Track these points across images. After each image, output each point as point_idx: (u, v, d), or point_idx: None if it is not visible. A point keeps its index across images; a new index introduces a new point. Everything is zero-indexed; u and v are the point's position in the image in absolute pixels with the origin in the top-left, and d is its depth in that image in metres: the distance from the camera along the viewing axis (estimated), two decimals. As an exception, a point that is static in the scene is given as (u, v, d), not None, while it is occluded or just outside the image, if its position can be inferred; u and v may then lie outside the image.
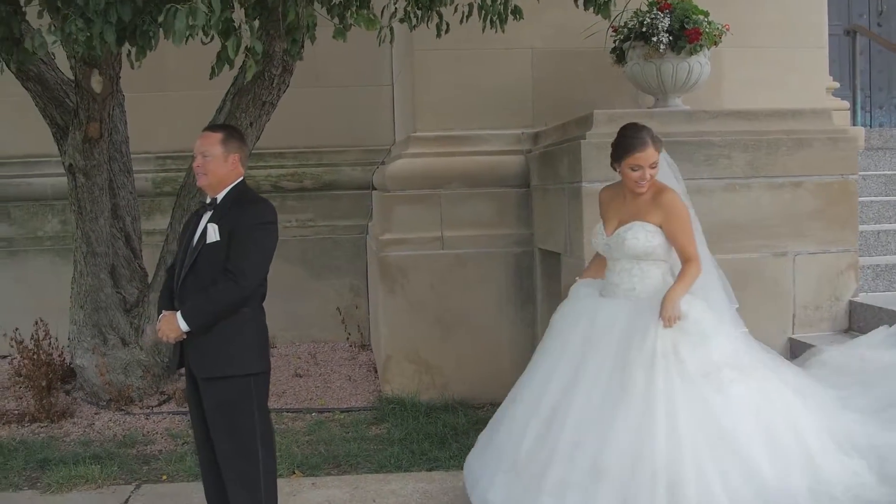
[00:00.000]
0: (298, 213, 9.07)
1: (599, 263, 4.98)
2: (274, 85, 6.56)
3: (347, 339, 8.91)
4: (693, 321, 4.43)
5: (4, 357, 8.20)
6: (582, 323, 4.69)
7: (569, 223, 6.05)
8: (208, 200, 4.44)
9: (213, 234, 4.27)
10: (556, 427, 4.44)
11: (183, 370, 4.57)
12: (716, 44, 6.61)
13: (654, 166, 4.61)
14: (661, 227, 4.59)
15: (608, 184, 5.00)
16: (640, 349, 4.37)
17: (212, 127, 4.63)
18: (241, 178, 4.47)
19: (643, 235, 4.58)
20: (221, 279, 4.21)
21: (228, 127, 4.67)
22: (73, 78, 6.53)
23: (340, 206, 9.19)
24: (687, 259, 4.57)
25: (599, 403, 4.36)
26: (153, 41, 4.53)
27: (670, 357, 4.33)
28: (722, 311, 4.71)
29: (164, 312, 4.37)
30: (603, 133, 5.81)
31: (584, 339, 4.61)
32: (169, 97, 9.14)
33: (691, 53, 6.49)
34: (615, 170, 4.71)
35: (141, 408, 6.99)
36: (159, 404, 7.04)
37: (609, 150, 5.65)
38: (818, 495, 4.20)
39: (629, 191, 4.69)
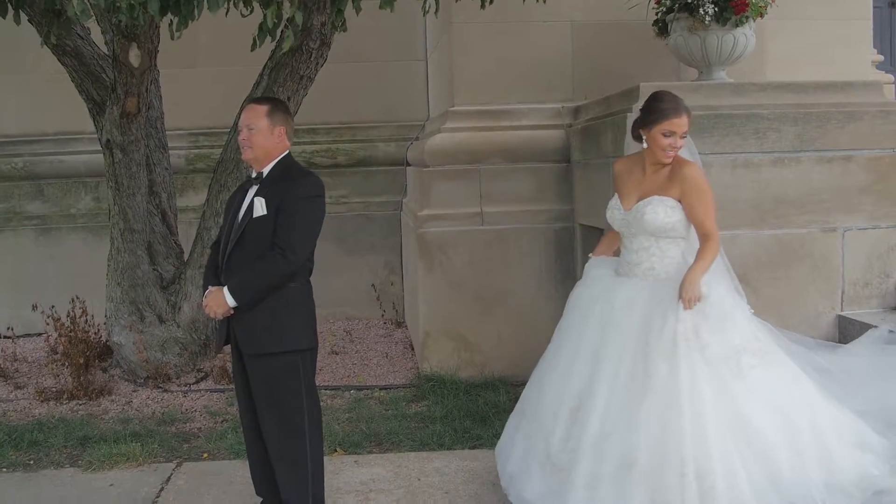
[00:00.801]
0: (332, 189, 8.92)
1: (612, 239, 4.87)
2: (312, 58, 6.47)
3: (382, 316, 8.85)
4: (713, 303, 4.27)
5: (40, 335, 8.18)
6: (599, 305, 4.55)
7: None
8: (254, 174, 4.37)
9: (260, 207, 4.20)
10: (582, 417, 4.33)
11: (228, 347, 4.50)
12: (761, 15, 6.47)
13: (684, 136, 4.46)
14: (680, 201, 4.43)
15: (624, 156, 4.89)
16: (661, 335, 4.22)
17: (257, 99, 4.55)
18: (287, 152, 4.39)
19: (663, 210, 4.41)
20: (269, 254, 4.14)
21: (274, 99, 4.58)
22: (109, 53, 6.46)
23: (374, 183, 9.10)
24: (705, 235, 4.39)
25: (624, 393, 4.24)
26: (197, 10, 4.43)
27: (692, 342, 4.18)
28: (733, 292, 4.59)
29: (211, 288, 4.30)
30: (649, 106, 5.70)
31: (602, 323, 4.46)
32: (201, 73, 9.07)
33: (736, 25, 6.35)
34: (639, 138, 4.55)
35: (178, 385, 6.96)
36: (196, 382, 7.01)
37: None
38: (832, 489, 4.09)
39: (652, 161, 4.53)
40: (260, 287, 4.16)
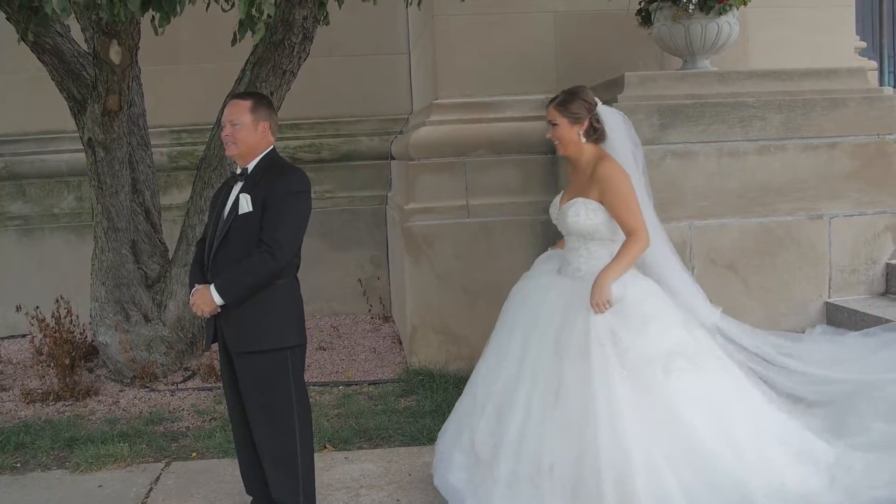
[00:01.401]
0: (317, 184, 8.85)
1: None
2: (294, 53, 6.42)
3: (369, 311, 8.82)
4: (632, 303, 4.18)
5: (24, 336, 8.14)
6: (530, 302, 4.50)
7: (600, 189, 5.93)
8: (238, 171, 4.33)
9: (246, 204, 4.16)
10: (504, 417, 4.30)
11: (216, 345, 4.46)
12: (745, 3, 6.46)
13: (553, 124, 4.40)
14: (602, 202, 4.32)
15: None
16: (569, 341, 4.16)
17: (240, 95, 4.50)
18: (272, 147, 4.35)
19: (584, 213, 4.34)
20: (256, 251, 4.10)
21: (257, 94, 4.53)
22: (89, 50, 6.40)
23: (359, 177, 9.06)
24: (629, 233, 4.27)
25: (542, 399, 4.17)
26: (179, 6, 4.38)
27: (607, 346, 4.08)
28: (679, 291, 4.48)
29: (197, 286, 4.26)
30: (634, 96, 5.71)
31: (531, 322, 4.40)
32: (183, 70, 9.01)
33: (720, 14, 6.35)
34: None
35: (165, 384, 6.91)
36: (184, 380, 6.96)
37: (641, 114, 5.60)
38: (772, 499, 4.01)
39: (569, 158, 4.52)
40: (247, 285, 4.12)
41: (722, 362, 4.32)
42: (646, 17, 6.73)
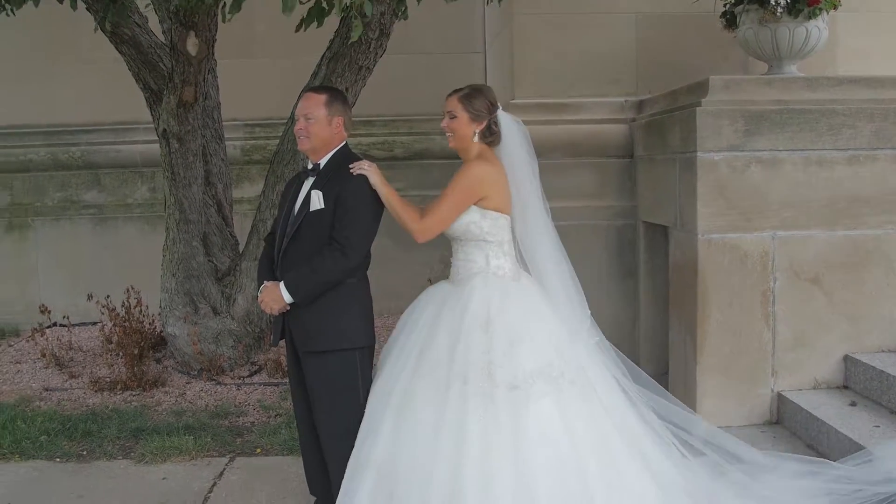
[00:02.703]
0: (388, 182, 8.87)
1: None
2: (371, 49, 6.36)
3: (437, 311, 8.70)
4: (508, 324, 3.94)
5: (95, 323, 8.19)
6: (427, 310, 4.21)
7: (680, 195, 5.75)
8: (310, 166, 4.25)
9: (318, 201, 4.08)
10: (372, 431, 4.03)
11: (283, 341, 4.39)
12: (835, 7, 6.25)
13: (451, 116, 4.18)
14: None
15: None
16: (432, 364, 3.94)
17: (315, 88, 4.42)
18: (345, 143, 4.28)
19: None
20: (327, 249, 4.02)
21: (332, 88, 4.46)
22: (166, 41, 6.40)
23: (431, 176, 8.95)
24: (424, 212, 4.10)
25: (410, 429, 3.91)
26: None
27: (473, 367, 3.86)
28: (561, 307, 4.17)
29: (266, 283, 4.19)
30: (719, 100, 5.52)
31: (405, 337, 4.18)
32: (258, 64, 9.02)
33: (809, 17, 6.14)
34: None
35: (232, 378, 6.89)
36: (250, 375, 6.93)
37: (726, 119, 5.42)
38: None
39: None
40: (317, 283, 4.04)
41: (596, 387, 4.04)
42: (730, 20, 6.53)
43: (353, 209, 4.05)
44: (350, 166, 4.09)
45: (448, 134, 4.25)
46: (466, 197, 4.07)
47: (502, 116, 4.23)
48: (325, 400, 4.15)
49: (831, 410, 5.22)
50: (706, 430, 4.56)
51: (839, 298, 5.56)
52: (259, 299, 4.20)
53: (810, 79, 5.80)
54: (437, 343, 3.99)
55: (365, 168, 4.08)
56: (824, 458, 4.93)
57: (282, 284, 4.08)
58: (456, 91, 4.24)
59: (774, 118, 5.46)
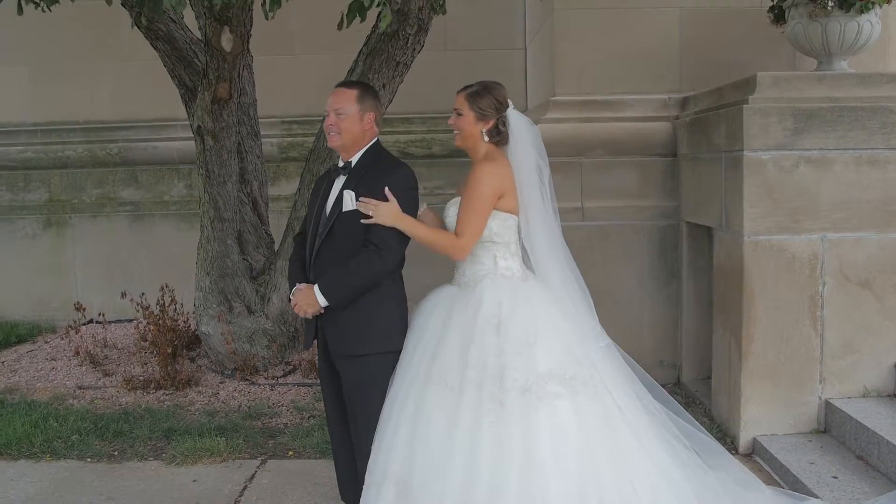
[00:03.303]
0: (426, 180, 8.73)
1: None
2: (408, 45, 6.23)
3: (475, 311, 8.58)
4: (518, 325, 3.82)
5: (131, 321, 8.16)
6: (435, 314, 4.07)
7: (725, 195, 5.57)
8: (341, 164, 4.13)
9: (350, 201, 3.96)
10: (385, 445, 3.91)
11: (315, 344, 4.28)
12: (889, 1, 6.00)
13: (458, 114, 4.07)
14: None
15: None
16: (443, 366, 3.82)
17: (346, 83, 4.30)
18: (377, 139, 4.15)
19: (455, 212, 4.04)
20: (364, 251, 3.90)
21: (363, 84, 4.34)
22: (201, 37, 6.33)
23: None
24: (457, 231, 3.95)
25: (424, 437, 3.79)
26: (289, -10, 4.21)
27: (485, 370, 3.74)
28: (567, 308, 4.01)
29: (299, 285, 4.07)
30: (767, 97, 5.33)
31: (415, 341, 4.04)
32: (295, 60, 8.95)
33: (861, 11, 5.90)
34: None
35: (266, 378, 6.81)
36: (284, 375, 6.85)
37: (774, 116, 5.23)
38: None
39: None
40: (354, 286, 3.92)
41: (609, 389, 3.88)
42: (778, 15, 6.32)
43: None
44: (362, 200, 3.91)
45: (455, 132, 4.14)
46: (489, 203, 3.95)
47: (512, 116, 4.09)
48: (361, 403, 4.02)
49: (883, 420, 5.00)
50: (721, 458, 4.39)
51: (891, 303, 5.35)
52: (292, 302, 4.09)
53: (863, 75, 5.60)
54: (449, 348, 3.87)
55: (374, 209, 3.88)
56: (875, 469, 4.76)
57: (316, 287, 3.96)
58: (465, 88, 4.11)
59: (825, 116, 5.26)
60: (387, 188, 3.91)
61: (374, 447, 3.89)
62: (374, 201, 3.88)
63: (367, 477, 3.88)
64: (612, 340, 4.11)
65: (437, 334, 3.96)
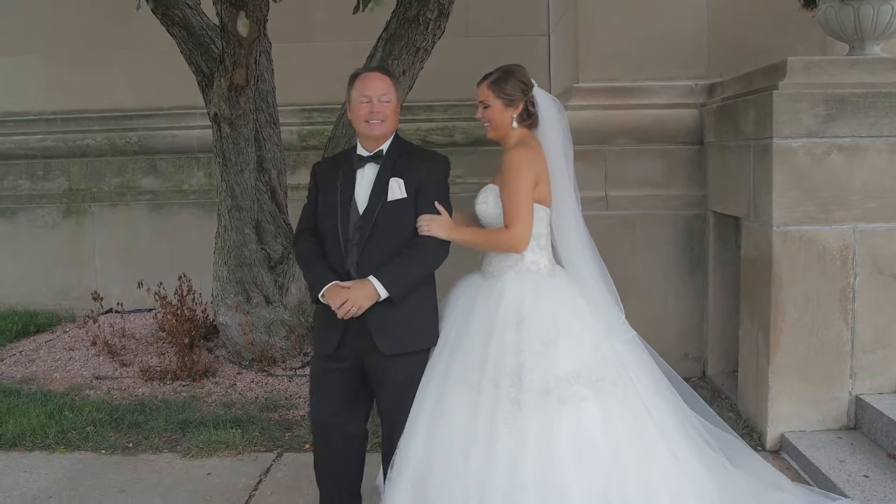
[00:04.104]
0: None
1: None
2: (429, 30, 6.11)
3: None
4: (537, 322, 3.66)
5: (149, 311, 8.11)
6: (459, 305, 3.93)
7: (754, 184, 5.41)
8: (364, 153, 3.93)
9: (399, 189, 3.81)
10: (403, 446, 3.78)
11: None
12: (924, -17, 5.82)
13: (485, 105, 3.93)
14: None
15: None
16: (463, 364, 3.68)
17: (380, 69, 4.13)
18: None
19: (492, 200, 3.87)
20: (424, 242, 3.78)
21: (387, 68, 4.21)
22: (218, 24, 6.23)
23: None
24: (506, 224, 3.78)
25: (445, 438, 3.65)
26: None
27: (503, 369, 3.59)
28: (597, 302, 3.87)
29: (345, 283, 3.77)
30: (798, 83, 5.16)
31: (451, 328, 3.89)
32: (315, 48, 8.84)
33: (896, -6, 5.72)
34: None
35: (284, 369, 6.72)
36: (302, 366, 6.75)
37: (805, 103, 5.06)
38: None
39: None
40: (416, 278, 3.79)
41: (622, 391, 3.70)
42: (809, -1, 6.15)
43: (442, 197, 3.87)
44: (419, 226, 3.79)
45: (485, 124, 4.00)
46: (531, 189, 3.79)
47: (539, 95, 3.95)
48: (410, 401, 3.82)
49: (916, 417, 4.85)
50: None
51: (926, 298, 5.19)
52: (338, 303, 3.73)
53: (897, 60, 5.42)
54: (470, 343, 3.73)
55: (429, 224, 3.77)
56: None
57: (375, 280, 3.71)
58: (485, 77, 3.95)
59: (858, 102, 5.09)
60: (436, 202, 3.81)
61: (399, 441, 3.77)
62: (426, 216, 3.77)
63: (389, 472, 3.76)
64: (636, 333, 3.97)
65: (457, 327, 3.83)
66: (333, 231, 3.87)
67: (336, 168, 4.01)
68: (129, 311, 7.97)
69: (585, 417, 3.57)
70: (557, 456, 3.50)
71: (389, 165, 3.87)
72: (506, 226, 3.80)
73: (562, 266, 3.95)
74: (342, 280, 3.78)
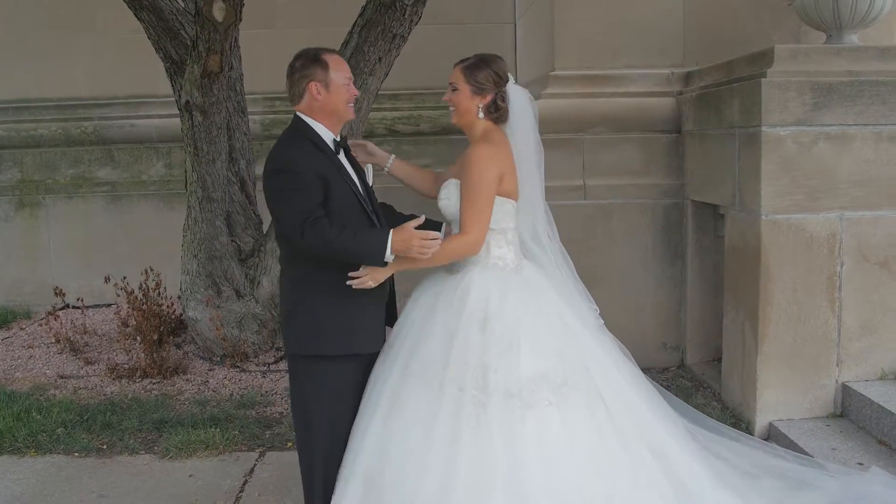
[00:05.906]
0: (414, 158, 8.45)
1: None
2: (406, 16, 5.98)
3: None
4: (502, 321, 3.54)
5: (109, 305, 7.85)
6: (420, 301, 3.78)
7: (739, 172, 5.37)
8: (334, 137, 3.71)
9: (371, 173, 3.84)
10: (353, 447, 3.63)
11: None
12: (902, -29, 5.84)
13: (453, 88, 3.77)
14: None
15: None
16: (424, 364, 3.54)
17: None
18: None
19: (455, 196, 3.70)
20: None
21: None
22: (189, 8, 6.03)
23: (458, 152, 8.37)
24: (461, 227, 3.62)
25: (384, 414, 3.55)
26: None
27: (467, 370, 3.46)
28: (569, 294, 3.79)
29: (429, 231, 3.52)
30: (785, 71, 5.14)
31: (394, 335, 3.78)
32: (278, 35, 8.59)
33: (874, -18, 5.72)
34: None
35: (257, 365, 6.57)
36: (276, 361, 6.59)
37: (793, 91, 5.04)
38: None
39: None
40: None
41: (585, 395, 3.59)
42: (785, -13, 6.13)
43: None
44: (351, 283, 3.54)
45: (451, 108, 3.83)
46: (492, 190, 3.62)
47: (513, 91, 3.78)
48: None
49: (905, 403, 4.86)
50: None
51: (912, 285, 5.20)
52: (429, 251, 3.47)
53: (883, 49, 5.41)
54: (432, 341, 3.57)
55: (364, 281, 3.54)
56: (903, 456, 4.63)
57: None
58: (461, 61, 3.80)
59: (845, 91, 5.08)
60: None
61: (349, 440, 3.62)
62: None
63: (340, 470, 3.61)
64: (610, 334, 3.87)
65: (418, 324, 3.66)
66: (366, 220, 3.63)
67: (320, 158, 3.67)
68: (88, 307, 7.71)
69: (547, 424, 3.45)
70: (523, 460, 3.38)
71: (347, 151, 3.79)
72: (461, 229, 3.63)
73: (528, 259, 3.84)
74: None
